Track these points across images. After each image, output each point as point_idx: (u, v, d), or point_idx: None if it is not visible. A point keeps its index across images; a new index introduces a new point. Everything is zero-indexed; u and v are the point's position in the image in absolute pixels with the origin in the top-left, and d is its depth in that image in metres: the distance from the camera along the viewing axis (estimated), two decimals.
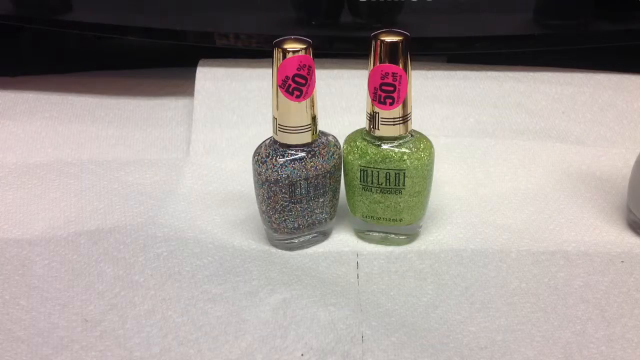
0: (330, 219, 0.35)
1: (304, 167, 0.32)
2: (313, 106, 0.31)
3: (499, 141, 0.48)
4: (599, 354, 0.28)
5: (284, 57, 0.29)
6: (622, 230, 0.37)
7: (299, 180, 0.32)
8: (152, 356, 0.27)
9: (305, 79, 0.29)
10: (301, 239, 0.35)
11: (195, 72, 0.50)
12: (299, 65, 0.29)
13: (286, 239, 0.35)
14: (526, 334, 0.29)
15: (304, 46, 0.29)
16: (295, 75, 0.29)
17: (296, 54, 0.29)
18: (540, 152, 0.46)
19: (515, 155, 0.46)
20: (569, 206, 0.40)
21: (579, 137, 0.48)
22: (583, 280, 0.33)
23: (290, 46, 0.29)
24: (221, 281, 0.32)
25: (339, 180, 0.34)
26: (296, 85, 0.30)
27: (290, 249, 0.35)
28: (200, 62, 0.51)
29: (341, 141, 0.35)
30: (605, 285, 0.32)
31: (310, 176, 0.32)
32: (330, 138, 0.34)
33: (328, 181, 0.33)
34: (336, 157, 0.33)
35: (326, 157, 0.32)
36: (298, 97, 0.30)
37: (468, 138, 0.48)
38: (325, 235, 0.36)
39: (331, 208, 0.35)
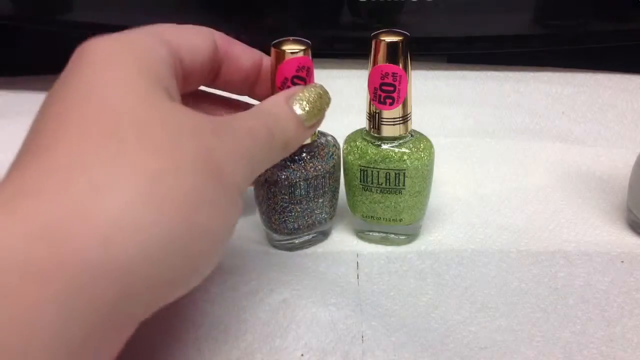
0: (330, 218, 0.35)
1: (304, 168, 0.31)
2: None
3: (499, 141, 0.48)
4: (599, 354, 0.28)
5: (283, 58, 0.29)
6: (622, 230, 0.37)
7: (299, 181, 0.32)
8: (151, 356, 0.27)
9: (304, 80, 0.29)
10: (301, 239, 0.35)
11: None
12: (298, 66, 0.29)
13: (286, 240, 0.35)
14: (526, 334, 0.29)
15: (303, 47, 0.29)
16: (294, 76, 0.29)
17: (295, 56, 0.29)
18: (540, 152, 0.46)
19: (515, 155, 0.46)
20: (569, 206, 0.40)
21: (579, 137, 0.48)
22: (583, 280, 0.33)
23: (289, 48, 0.29)
24: (221, 281, 0.32)
25: (339, 180, 0.34)
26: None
27: (290, 249, 0.35)
28: None
29: (341, 141, 0.35)
30: (605, 285, 0.32)
31: (310, 177, 0.32)
32: (329, 138, 0.34)
33: (327, 181, 0.33)
34: (335, 157, 0.33)
35: (325, 158, 0.32)
36: None
37: (468, 138, 0.48)
38: (325, 235, 0.36)
39: (331, 208, 0.35)
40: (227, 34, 0.28)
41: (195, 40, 0.26)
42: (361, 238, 0.37)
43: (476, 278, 0.33)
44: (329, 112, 0.53)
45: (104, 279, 0.17)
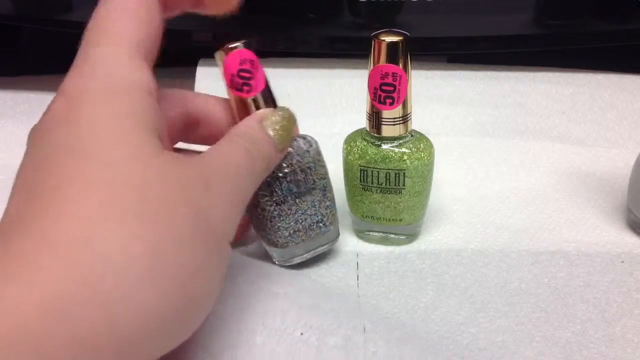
0: (330, 222, 0.33)
1: (277, 165, 0.30)
2: (268, 101, 0.30)
3: (499, 141, 0.48)
4: (599, 354, 0.28)
5: (224, 56, 0.29)
6: (622, 230, 0.37)
7: (276, 178, 0.30)
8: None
9: (250, 73, 0.29)
10: (306, 255, 0.34)
11: (195, 72, 0.50)
12: (240, 60, 0.29)
13: (290, 257, 0.34)
14: (526, 334, 0.29)
15: (241, 42, 0.29)
16: (240, 71, 0.29)
17: (234, 50, 0.29)
18: (540, 152, 0.46)
19: (515, 155, 0.46)
20: (569, 206, 0.40)
21: (579, 137, 0.48)
22: (583, 280, 0.33)
23: (228, 45, 0.29)
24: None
25: (326, 178, 0.33)
26: (244, 81, 0.29)
27: (296, 263, 0.34)
28: (200, 62, 0.51)
29: (341, 141, 0.35)
30: (605, 285, 0.32)
31: (287, 172, 0.31)
32: (302, 136, 0.32)
33: (310, 177, 0.32)
34: (312, 152, 0.31)
35: (300, 153, 0.31)
36: (249, 91, 0.29)
37: (468, 138, 0.48)
38: (331, 244, 0.35)
39: (326, 210, 0.33)
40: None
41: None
42: (361, 238, 0.37)
43: (476, 278, 0.33)
44: (329, 112, 0.53)
45: (106, 354, 0.18)
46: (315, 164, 0.32)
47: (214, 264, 0.22)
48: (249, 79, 0.29)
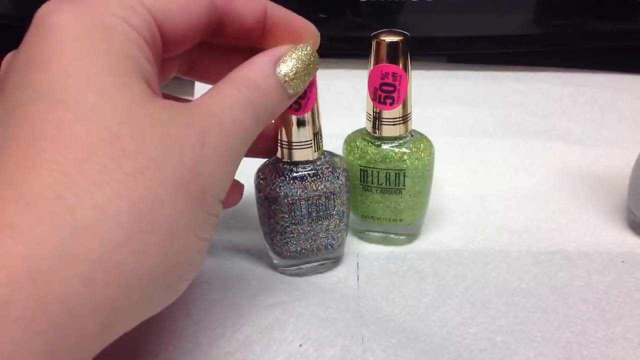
0: (338, 245, 0.33)
1: (304, 187, 0.30)
2: (315, 121, 0.29)
3: (499, 141, 0.48)
4: (600, 355, 0.28)
5: None
6: (623, 230, 0.37)
7: (299, 200, 0.30)
8: (150, 351, 0.27)
9: (304, 91, 0.27)
10: (308, 266, 0.33)
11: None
12: None
13: (291, 266, 0.33)
14: (526, 335, 0.29)
15: None
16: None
17: None
18: (541, 152, 0.46)
19: (515, 155, 0.46)
20: (569, 206, 0.40)
21: (579, 137, 0.48)
22: (583, 281, 0.33)
23: None
24: (220, 286, 0.32)
25: (347, 204, 0.32)
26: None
27: (298, 275, 0.34)
28: None
29: (341, 141, 0.35)
30: (605, 285, 0.32)
31: (311, 196, 0.30)
32: (336, 159, 0.32)
33: (333, 203, 0.31)
34: (342, 179, 0.31)
35: (330, 178, 0.30)
36: (297, 110, 0.28)
37: (468, 138, 0.48)
38: (335, 262, 0.34)
39: (338, 233, 0.33)
40: None
41: (185, 2, 0.22)
42: (361, 238, 0.37)
43: (476, 278, 0.33)
44: (329, 112, 0.53)
45: (86, 315, 0.17)
46: (341, 191, 0.31)
47: (202, 225, 0.20)
48: (302, 97, 0.28)
